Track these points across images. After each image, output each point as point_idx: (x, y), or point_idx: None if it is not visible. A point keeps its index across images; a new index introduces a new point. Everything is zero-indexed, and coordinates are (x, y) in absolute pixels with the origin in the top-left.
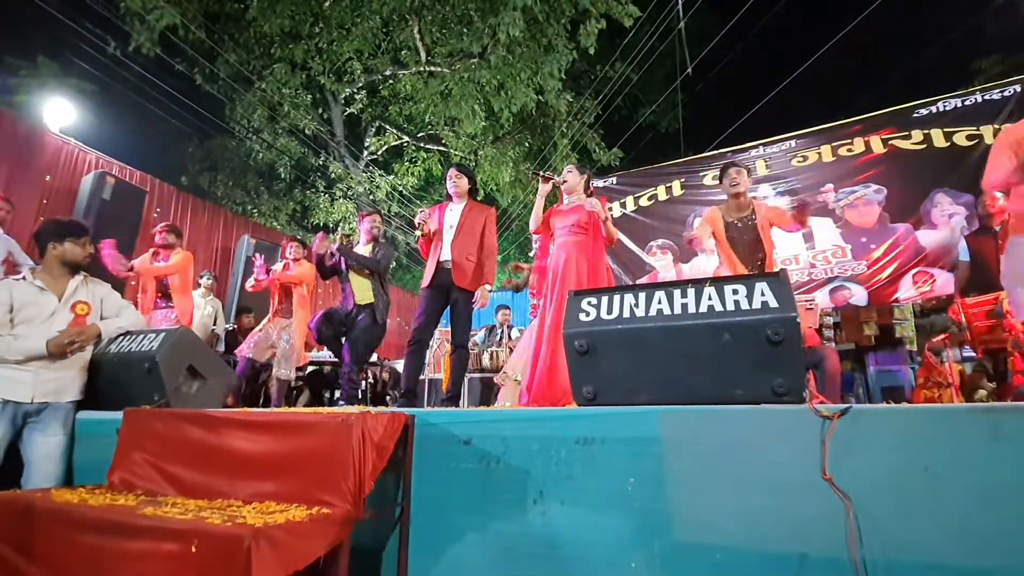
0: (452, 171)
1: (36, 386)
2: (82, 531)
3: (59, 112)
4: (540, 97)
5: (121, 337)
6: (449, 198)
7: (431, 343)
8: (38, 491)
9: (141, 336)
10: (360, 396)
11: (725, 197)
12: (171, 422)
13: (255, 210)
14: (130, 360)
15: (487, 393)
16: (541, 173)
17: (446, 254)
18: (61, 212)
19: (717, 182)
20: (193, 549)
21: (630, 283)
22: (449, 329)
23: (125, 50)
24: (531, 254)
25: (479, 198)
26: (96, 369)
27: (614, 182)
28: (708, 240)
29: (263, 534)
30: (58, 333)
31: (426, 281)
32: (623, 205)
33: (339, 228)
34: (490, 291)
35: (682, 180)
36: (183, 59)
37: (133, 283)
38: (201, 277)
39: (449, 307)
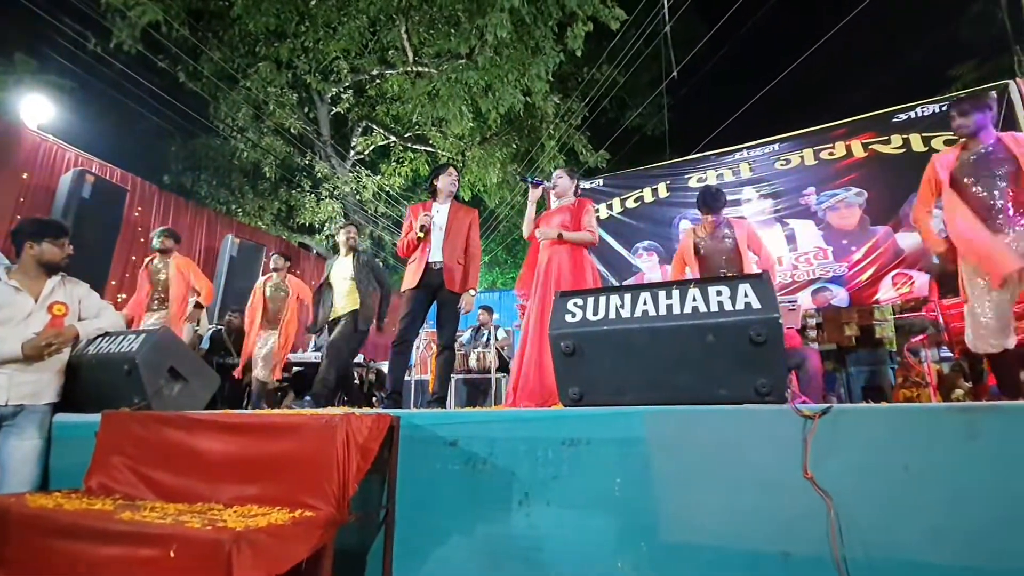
0: (453, 171)
1: (11, 389)
2: (57, 537)
3: (37, 109)
4: (527, 99)
5: (100, 338)
6: (432, 198)
7: (417, 344)
8: (12, 496)
9: (121, 337)
10: (334, 399)
11: None
12: (151, 425)
13: (239, 209)
14: (109, 362)
15: (474, 394)
16: (531, 180)
17: (435, 255)
18: (39, 211)
19: (702, 185)
20: (172, 554)
21: (616, 284)
22: (435, 330)
23: (106, 47)
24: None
25: (467, 198)
26: (74, 371)
27: (601, 184)
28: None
29: (244, 538)
30: (34, 335)
31: (412, 282)
32: (609, 207)
33: (324, 228)
34: (473, 295)
35: (668, 182)
36: (166, 56)
37: (113, 283)
38: None
39: (436, 308)
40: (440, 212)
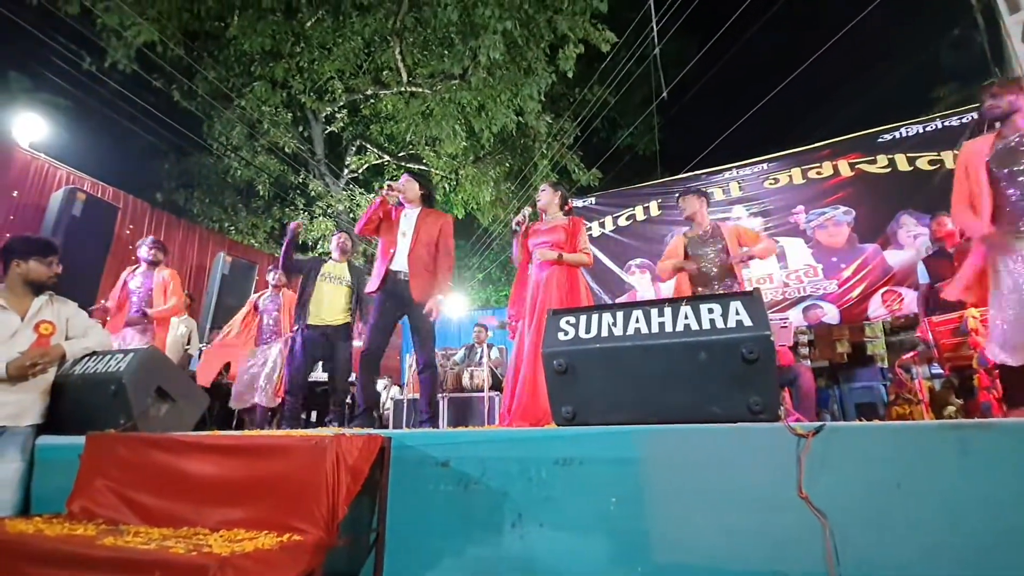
0: (403, 176)
1: None
2: (36, 564)
3: (29, 127)
4: (520, 118)
5: (86, 357)
6: (401, 204)
7: (411, 363)
8: None
9: (107, 356)
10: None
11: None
12: (136, 447)
13: (232, 227)
14: (95, 382)
15: (467, 413)
16: (516, 227)
17: (400, 264)
18: (29, 229)
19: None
20: None
21: (609, 302)
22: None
23: (101, 66)
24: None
25: (461, 216)
26: (59, 391)
27: (593, 202)
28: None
29: (230, 563)
30: (19, 354)
31: (374, 285)
32: (602, 225)
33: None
34: (440, 300)
35: (659, 200)
36: (161, 76)
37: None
38: None
39: (410, 325)
40: (408, 217)
